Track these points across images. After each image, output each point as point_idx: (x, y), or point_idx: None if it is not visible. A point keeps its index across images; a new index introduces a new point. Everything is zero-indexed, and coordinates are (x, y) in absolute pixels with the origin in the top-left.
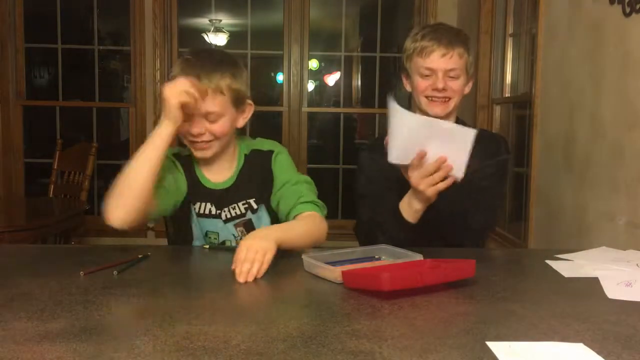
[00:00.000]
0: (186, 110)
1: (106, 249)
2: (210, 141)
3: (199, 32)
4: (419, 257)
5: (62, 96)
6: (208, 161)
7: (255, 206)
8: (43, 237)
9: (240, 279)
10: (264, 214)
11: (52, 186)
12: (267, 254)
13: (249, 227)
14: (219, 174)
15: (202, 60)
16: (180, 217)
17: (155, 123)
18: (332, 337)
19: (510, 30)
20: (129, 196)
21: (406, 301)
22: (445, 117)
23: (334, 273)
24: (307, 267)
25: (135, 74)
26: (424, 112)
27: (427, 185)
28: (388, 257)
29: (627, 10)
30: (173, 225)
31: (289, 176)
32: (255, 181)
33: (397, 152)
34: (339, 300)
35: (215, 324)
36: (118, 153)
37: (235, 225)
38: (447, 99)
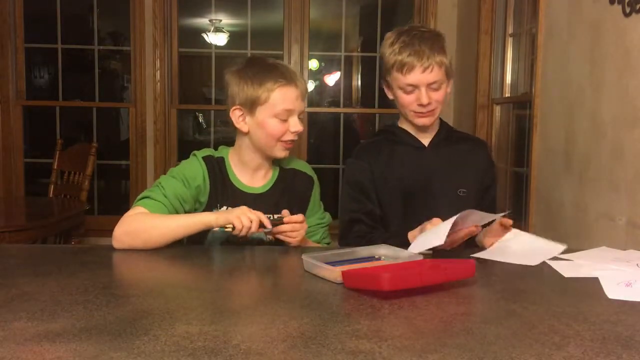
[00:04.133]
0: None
1: (106, 249)
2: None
3: (199, 32)
4: (419, 257)
5: (62, 96)
6: (247, 165)
7: None
8: (43, 237)
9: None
10: None
11: (52, 186)
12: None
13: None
14: (254, 180)
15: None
16: None
17: (156, 123)
18: (332, 337)
19: (510, 30)
20: (143, 240)
21: (406, 301)
22: (431, 125)
23: (334, 273)
24: (307, 267)
25: (135, 74)
26: (412, 123)
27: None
28: (388, 257)
29: (627, 10)
30: None
31: (320, 213)
32: (291, 200)
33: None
34: (339, 300)
35: (215, 324)
36: (118, 153)
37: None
38: (432, 110)
